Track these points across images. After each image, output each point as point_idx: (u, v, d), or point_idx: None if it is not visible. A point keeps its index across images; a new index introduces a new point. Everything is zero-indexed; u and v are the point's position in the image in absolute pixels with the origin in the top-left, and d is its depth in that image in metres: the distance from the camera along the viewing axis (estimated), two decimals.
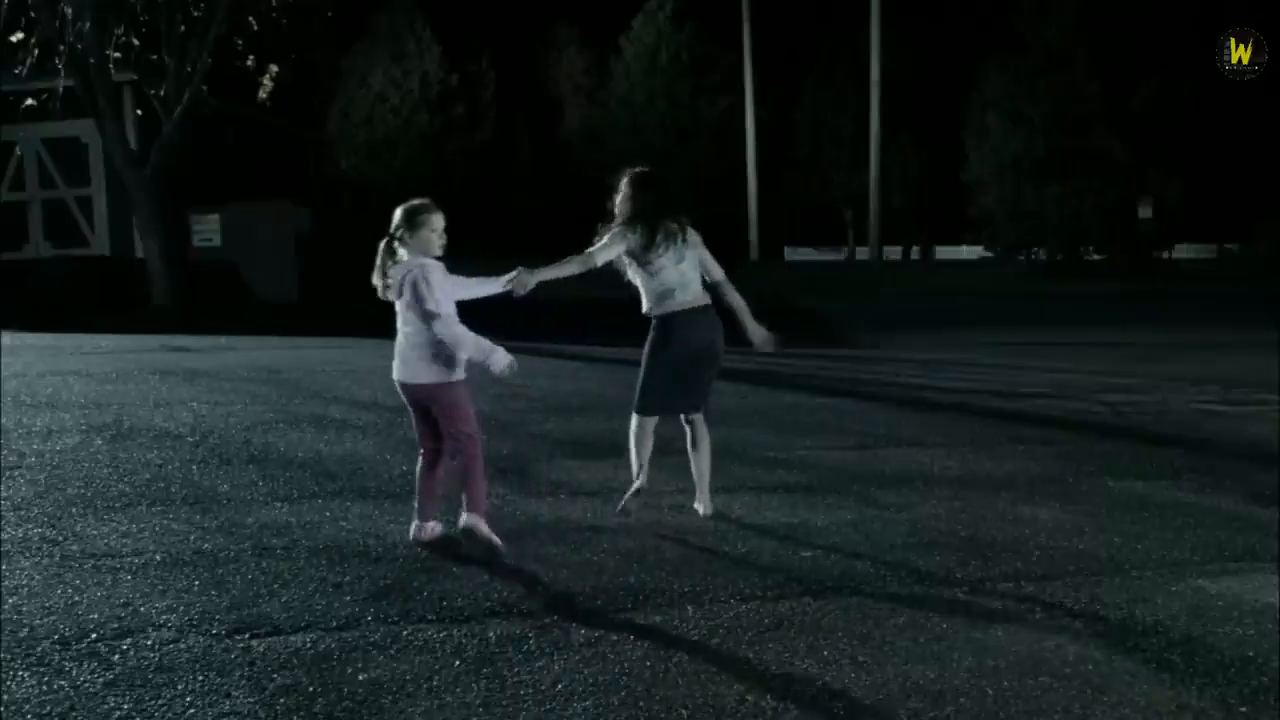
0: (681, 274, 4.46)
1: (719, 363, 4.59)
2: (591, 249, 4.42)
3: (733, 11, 34.84)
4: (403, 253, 4.00)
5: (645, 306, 4.55)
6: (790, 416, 7.36)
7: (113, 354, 10.61)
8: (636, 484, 4.74)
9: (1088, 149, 33.83)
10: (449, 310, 3.95)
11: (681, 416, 4.64)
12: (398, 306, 4.05)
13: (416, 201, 4.05)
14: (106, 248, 19.56)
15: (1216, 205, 43.63)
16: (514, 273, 4.23)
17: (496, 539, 4.02)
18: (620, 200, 4.53)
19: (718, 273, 4.61)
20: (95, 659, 2.96)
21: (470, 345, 3.95)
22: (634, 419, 4.58)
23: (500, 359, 3.94)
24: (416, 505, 4.23)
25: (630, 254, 4.46)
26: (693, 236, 4.54)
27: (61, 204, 19.97)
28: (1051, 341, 13.07)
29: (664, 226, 4.45)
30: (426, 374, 4.01)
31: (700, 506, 4.65)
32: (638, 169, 4.68)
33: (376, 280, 4.05)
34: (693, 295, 4.48)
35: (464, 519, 4.04)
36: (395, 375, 4.12)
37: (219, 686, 2.80)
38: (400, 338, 4.08)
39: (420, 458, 4.23)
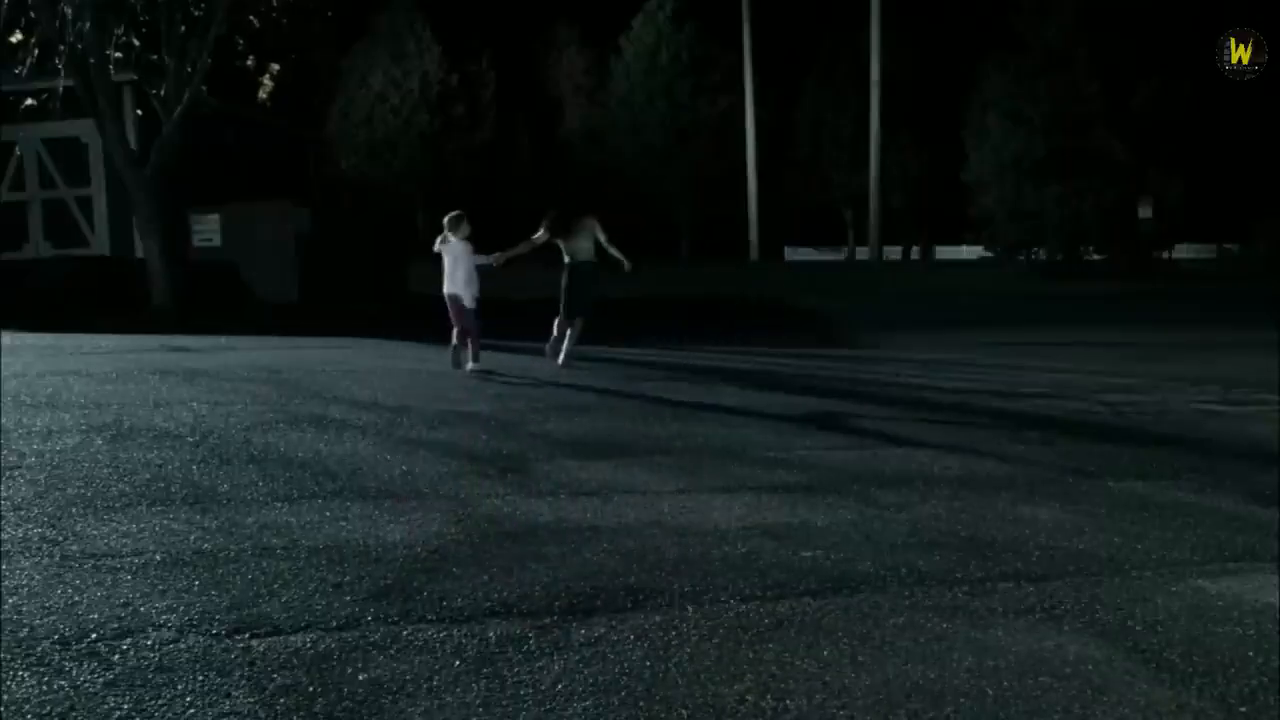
0: (580, 244, 9.61)
1: (596, 286, 9.72)
2: (533, 236, 9.78)
3: (733, 11, 34.89)
4: (451, 236, 9.34)
5: (565, 259, 9.67)
6: (790, 416, 7.36)
7: (113, 354, 10.61)
8: (555, 333, 9.80)
9: (1088, 149, 33.87)
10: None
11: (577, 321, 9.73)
12: (446, 259, 9.32)
13: (455, 212, 9.41)
14: (106, 248, 19.52)
15: (1216, 205, 43.69)
16: (495, 254, 9.96)
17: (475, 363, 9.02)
18: (545, 221, 9.68)
19: (603, 238, 9.65)
20: (95, 659, 2.96)
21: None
22: (557, 321, 9.72)
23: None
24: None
25: (553, 235, 9.72)
26: (588, 222, 9.62)
27: (61, 204, 19.94)
28: (1051, 341, 13.07)
29: (572, 224, 9.64)
30: (464, 291, 9.29)
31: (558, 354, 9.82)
32: (551, 212, 9.70)
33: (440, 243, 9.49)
34: (586, 254, 9.62)
35: (469, 366, 9.07)
36: (445, 289, 9.32)
37: (219, 686, 2.80)
38: (450, 270, 9.31)
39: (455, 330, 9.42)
